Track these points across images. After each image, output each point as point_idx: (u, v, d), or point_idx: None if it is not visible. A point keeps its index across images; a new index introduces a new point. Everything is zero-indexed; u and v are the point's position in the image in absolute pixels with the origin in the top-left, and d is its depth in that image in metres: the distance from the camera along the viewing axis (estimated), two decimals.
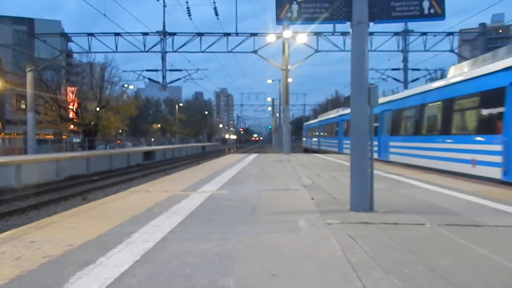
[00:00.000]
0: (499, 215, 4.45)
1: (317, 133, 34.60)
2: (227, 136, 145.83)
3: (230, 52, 25.58)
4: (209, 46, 25.49)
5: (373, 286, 2.34)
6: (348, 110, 30.44)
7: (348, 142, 4.87)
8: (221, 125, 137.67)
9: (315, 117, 49.10)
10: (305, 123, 50.85)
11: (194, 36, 25.39)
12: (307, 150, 37.67)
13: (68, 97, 35.17)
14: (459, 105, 10.65)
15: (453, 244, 3.27)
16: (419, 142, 12.67)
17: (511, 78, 8.29)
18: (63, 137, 39.24)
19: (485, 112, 9.28)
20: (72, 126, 35.60)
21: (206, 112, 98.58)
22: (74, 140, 38.05)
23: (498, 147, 8.46)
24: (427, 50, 25.83)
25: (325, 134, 30.99)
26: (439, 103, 11.64)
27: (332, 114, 30.62)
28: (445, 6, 4.69)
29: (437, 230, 3.73)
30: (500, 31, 66.13)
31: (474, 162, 9.37)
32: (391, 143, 15.16)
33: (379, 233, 3.63)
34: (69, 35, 28.20)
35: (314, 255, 2.96)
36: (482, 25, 25.73)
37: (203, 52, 25.50)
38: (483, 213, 4.52)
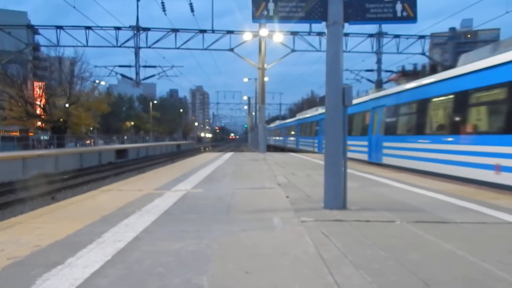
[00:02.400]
0: (464, 212, 4.64)
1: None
2: (202, 134, 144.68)
3: (206, 49, 25.38)
4: (185, 43, 25.22)
5: (345, 282, 2.39)
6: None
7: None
8: (196, 124, 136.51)
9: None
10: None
11: (169, 32, 25.02)
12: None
13: (35, 92, 33.80)
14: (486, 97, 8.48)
15: (421, 240, 3.39)
16: (426, 142, 10.51)
17: None
18: (30, 134, 37.76)
19: None
20: (39, 123, 34.29)
21: (181, 110, 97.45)
22: (42, 138, 36.65)
23: None
24: (400, 53, 26.59)
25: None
26: (452, 96, 9.55)
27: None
28: (417, 9, 4.84)
29: (406, 227, 3.85)
30: (469, 35, 68.80)
31: (498, 168, 7.61)
32: (386, 144, 13.08)
33: (352, 230, 3.71)
34: (35, 27, 27.01)
35: (288, 252, 2.99)
36: (452, 29, 26.71)
37: (178, 48, 25.18)
38: (450, 211, 4.69)
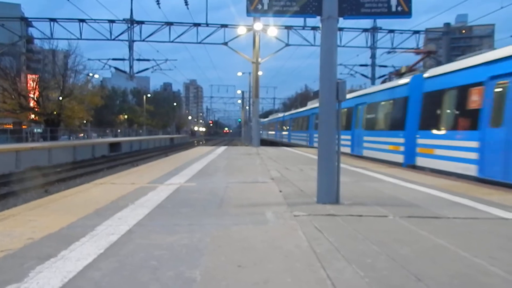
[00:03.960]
0: (457, 207, 4.68)
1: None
2: (196, 128, 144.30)
3: (200, 43, 25.26)
4: (179, 36, 25.09)
5: (337, 276, 2.41)
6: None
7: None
8: (190, 117, 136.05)
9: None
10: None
11: (163, 25, 24.87)
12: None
13: (28, 85, 33.54)
14: None
15: (413, 235, 3.41)
16: None
17: None
18: (23, 127, 37.45)
19: None
20: (33, 116, 34.04)
21: (175, 104, 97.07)
22: (35, 130, 36.37)
23: None
24: (394, 48, 26.61)
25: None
26: None
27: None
28: (411, 4, 4.83)
29: (399, 222, 3.88)
30: (463, 31, 69.03)
31: None
32: None
33: (344, 224, 3.73)
34: (29, 19, 26.80)
35: (280, 247, 3.00)
36: (447, 24, 26.71)
37: (172, 42, 25.07)
38: (442, 206, 4.73)
